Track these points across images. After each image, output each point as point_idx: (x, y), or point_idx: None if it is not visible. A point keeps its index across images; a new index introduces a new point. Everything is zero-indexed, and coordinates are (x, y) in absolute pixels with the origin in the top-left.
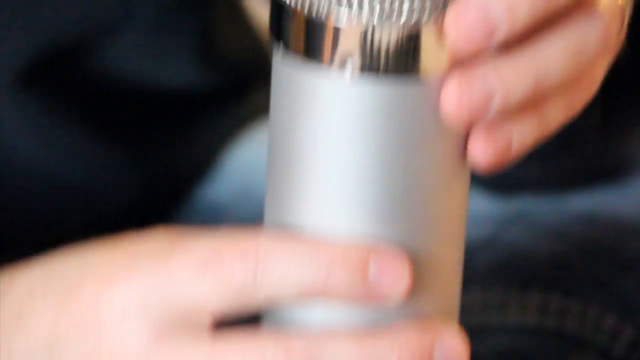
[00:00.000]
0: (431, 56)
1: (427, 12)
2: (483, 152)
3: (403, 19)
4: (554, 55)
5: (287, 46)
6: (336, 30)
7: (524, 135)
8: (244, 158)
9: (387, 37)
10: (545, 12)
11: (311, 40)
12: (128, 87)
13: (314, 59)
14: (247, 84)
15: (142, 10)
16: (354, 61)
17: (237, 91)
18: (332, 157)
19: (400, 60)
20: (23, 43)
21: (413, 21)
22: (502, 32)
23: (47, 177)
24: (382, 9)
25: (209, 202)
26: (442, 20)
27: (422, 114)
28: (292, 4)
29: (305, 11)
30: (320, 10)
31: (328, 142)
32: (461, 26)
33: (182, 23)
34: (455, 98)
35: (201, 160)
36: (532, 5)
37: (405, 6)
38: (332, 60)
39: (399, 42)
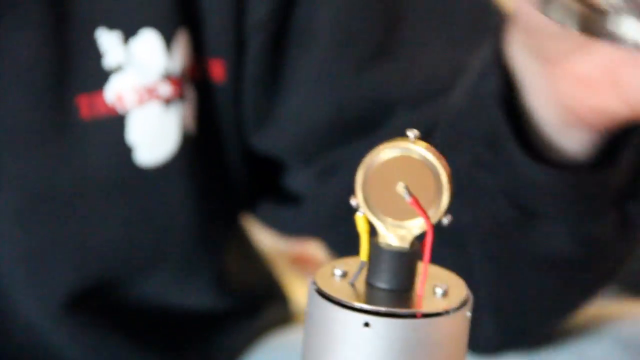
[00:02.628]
0: None
1: None
2: None
3: None
4: None
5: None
6: None
7: None
8: None
9: None
10: None
11: None
12: (160, 309)
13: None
14: (257, 304)
15: (171, 253)
16: None
17: (250, 311)
18: None
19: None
20: (70, 278)
21: None
22: None
23: None
24: None
25: None
26: None
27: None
28: None
29: None
30: None
31: None
32: None
33: (203, 262)
34: None
35: None
36: None
37: None
38: None
39: None
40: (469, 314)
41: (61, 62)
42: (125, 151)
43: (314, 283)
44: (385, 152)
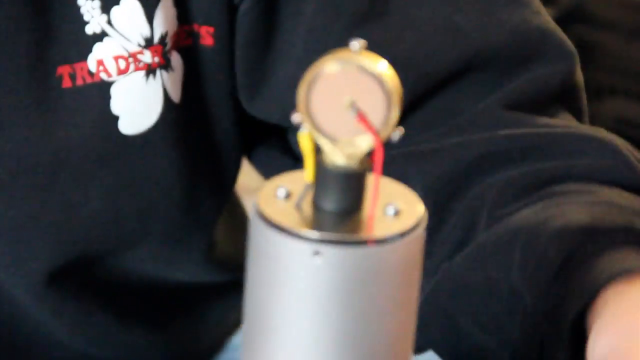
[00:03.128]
0: None
1: None
2: None
3: None
4: None
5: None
6: None
7: None
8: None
9: None
10: None
11: None
12: (146, 283)
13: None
14: None
15: (156, 226)
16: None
17: (239, 284)
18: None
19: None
20: (53, 251)
21: None
22: None
23: (81, 357)
24: None
25: None
26: None
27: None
28: None
29: None
30: None
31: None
32: None
33: (190, 235)
34: None
35: (208, 345)
36: None
37: None
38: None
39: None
40: (423, 232)
41: (42, 32)
42: (109, 120)
43: (257, 206)
44: (329, 66)
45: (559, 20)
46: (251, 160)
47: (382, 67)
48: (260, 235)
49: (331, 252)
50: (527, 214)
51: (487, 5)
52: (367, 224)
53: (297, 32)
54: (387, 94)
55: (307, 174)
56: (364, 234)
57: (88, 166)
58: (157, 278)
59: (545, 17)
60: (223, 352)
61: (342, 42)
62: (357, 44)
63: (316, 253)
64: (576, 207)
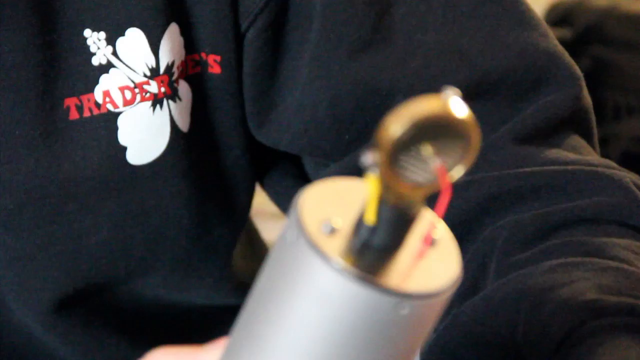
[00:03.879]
0: None
1: None
2: None
3: None
4: None
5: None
6: None
7: None
8: None
9: None
10: None
11: None
12: (158, 307)
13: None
14: None
15: (166, 253)
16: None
17: None
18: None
19: None
20: (61, 279)
21: None
22: None
23: None
24: None
25: None
26: None
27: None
28: None
29: None
30: None
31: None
32: None
33: (202, 262)
34: None
35: None
36: None
37: None
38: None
39: None
40: (449, 295)
41: (49, 64)
42: (117, 151)
43: (312, 244)
44: (420, 108)
45: (576, 41)
46: (263, 186)
47: (470, 119)
48: (313, 271)
49: (415, 304)
50: (535, 274)
51: (494, 29)
52: (403, 274)
53: (302, 58)
54: (468, 147)
55: (368, 215)
56: (396, 285)
57: (96, 197)
58: (170, 302)
59: (553, 40)
60: None
61: (345, 68)
62: (450, 91)
63: (399, 305)
64: (583, 274)
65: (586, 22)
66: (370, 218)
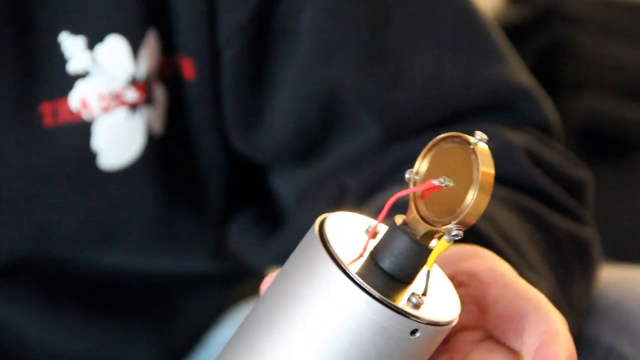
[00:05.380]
0: None
1: None
2: None
3: None
4: None
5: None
6: None
7: None
8: (226, 336)
9: None
10: None
11: None
12: (118, 276)
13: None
14: (228, 273)
15: (129, 239)
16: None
17: (215, 279)
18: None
19: None
20: (13, 244)
21: None
22: None
23: (55, 355)
24: None
25: None
26: None
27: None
28: None
29: None
30: None
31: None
32: None
33: (164, 248)
34: None
35: (185, 339)
36: None
37: None
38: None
39: None
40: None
41: (24, 69)
42: (89, 157)
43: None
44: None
45: (536, 19)
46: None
47: (488, 169)
48: (343, 293)
49: (426, 330)
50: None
51: (471, 62)
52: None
53: (289, 70)
54: (480, 192)
55: (429, 264)
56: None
57: (63, 195)
58: (131, 271)
59: (521, 73)
60: (202, 349)
61: (338, 86)
62: (479, 136)
63: (414, 331)
64: None
65: (545, 1)
66: (430, 265)
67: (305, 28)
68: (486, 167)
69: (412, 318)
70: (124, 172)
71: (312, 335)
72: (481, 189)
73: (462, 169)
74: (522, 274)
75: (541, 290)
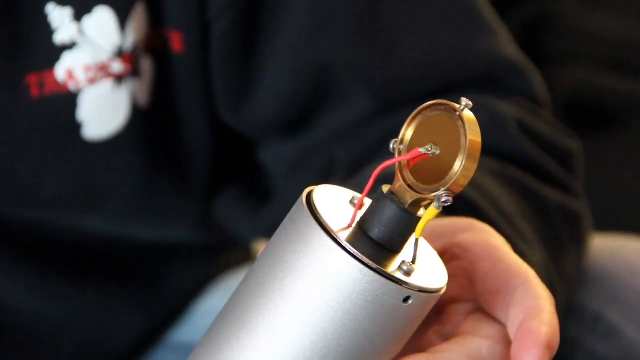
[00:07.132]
0: None
1: None
2: None
3: None
4: None
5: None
6: None
7: None
8: (212, 306)
9: None
10: None
11: None
12: (101, 243)
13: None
14: (213, 244)
15: (110, 207)
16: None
17: (199, 249)
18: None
19: None
20: None
21: None
22: None
23: (37, 321)
24: None
25: (181, 342)
26: None
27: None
28: None
29: None
30: None
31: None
32: None
33: (145, 218)
34: None
35: (169, 307)
36: None
37: None
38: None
39: None
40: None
41: (10, 40)
42: (74, 127)
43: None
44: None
45: None
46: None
47: (475, 134)
48: (337, 264)
49: (418, 297)
50: None
51: (463, 35)
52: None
53: (280, 44)
54: (468, 159)
55: (417, 231)
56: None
57: (44, 162)
58: (112, 237)
59: (511, 45)
60: (187, 319)
61: (330, 59)
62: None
63: (407, 299)
64: None
65: None
66: (418, 233)
67: (297, 1)
68: (473, 133)
69: (405, 285)
70: (108, 143)
71: (305, 306)
72: (469, 156)
73: (448, 136)
74: (515, 246)
75: (533, 261)
